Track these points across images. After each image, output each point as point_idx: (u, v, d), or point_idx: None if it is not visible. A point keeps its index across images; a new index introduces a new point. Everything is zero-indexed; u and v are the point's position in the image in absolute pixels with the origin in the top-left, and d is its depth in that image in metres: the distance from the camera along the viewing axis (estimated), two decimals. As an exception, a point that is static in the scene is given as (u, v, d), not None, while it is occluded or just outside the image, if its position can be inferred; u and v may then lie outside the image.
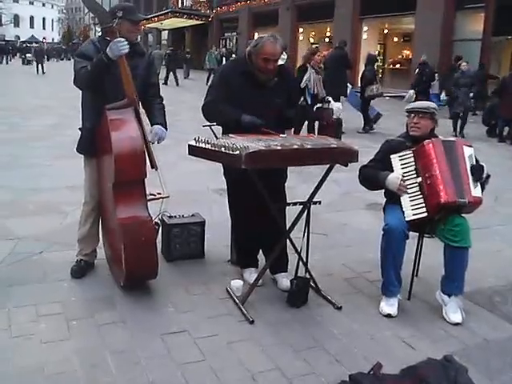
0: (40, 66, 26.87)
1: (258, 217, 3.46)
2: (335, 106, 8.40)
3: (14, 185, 5.75)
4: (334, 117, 8.30)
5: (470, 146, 3.36)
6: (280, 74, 3.43)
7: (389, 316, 3.21)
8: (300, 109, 7.95)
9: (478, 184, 3.24)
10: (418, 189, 3.25)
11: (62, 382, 2.49)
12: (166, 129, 3.55)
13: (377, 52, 20.85)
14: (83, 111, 3.48)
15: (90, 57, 3.25)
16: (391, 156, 3.35)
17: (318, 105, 8.33)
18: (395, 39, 23.16)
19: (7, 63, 37.81)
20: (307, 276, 3.41)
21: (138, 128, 3.24)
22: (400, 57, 20.52)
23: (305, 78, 8.17)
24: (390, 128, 7.98)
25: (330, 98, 8.40)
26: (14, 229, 4.42)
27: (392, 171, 3.33)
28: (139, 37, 3.54)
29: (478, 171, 3.23)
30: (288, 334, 2.99)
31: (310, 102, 8.32)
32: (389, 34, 23.21)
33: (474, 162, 3.29)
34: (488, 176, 3.31)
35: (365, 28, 22.13)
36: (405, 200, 3.26)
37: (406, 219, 3.21)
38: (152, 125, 3.53)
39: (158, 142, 3.50)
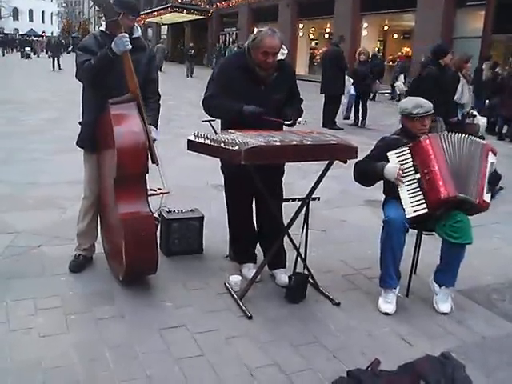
0: (56, 60, 24.63)
1: (255, 212, 3.46)
2: (481, 121, 7.31)
3: (13, 179, 5.74)
4: (479, 134, 6.87)
5: (495, 155, 3.39)
6: (280, 69, 3.42)
7: (387, 314, 3.22)
8: (454, 126, 7.07)
9: (490, 191, 3.28)
10: (417, 185, 3.23)
11: (59, 375, 2.50)
12: (157, 128, 3.53)
13: (376, 49, 20.85)
14: (83, 105, 3.47)
15: (91, 50, 3.24)
16: (388, 153, 3.32)
17: (467, 120, 7.08)
18: (395, 36, 23.12)
19: (3, 55, 37.69)
20: (305, 272, 3.41)
21: (141, 123, 3.23)
22: (400, 54, 20.50)
23: (458, 89, 6.90)
24: (390, 124, 7.99)
25: (475, 112, 7.36)
26: (12, 223, 4.41)
27: None
28: (140, 31, 3.51)
29: (494, 179, 3.29)
30: (286, 330, 2.99)
31: (460, 118, 6.95)
32: (389, 30, 23.18)
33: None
34: (501, 188, 3.33)
35: (365, 24, 22.07)
36: (404, 197, 3.24)
37: (407, 216, 3.18)
38: None
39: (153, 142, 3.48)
